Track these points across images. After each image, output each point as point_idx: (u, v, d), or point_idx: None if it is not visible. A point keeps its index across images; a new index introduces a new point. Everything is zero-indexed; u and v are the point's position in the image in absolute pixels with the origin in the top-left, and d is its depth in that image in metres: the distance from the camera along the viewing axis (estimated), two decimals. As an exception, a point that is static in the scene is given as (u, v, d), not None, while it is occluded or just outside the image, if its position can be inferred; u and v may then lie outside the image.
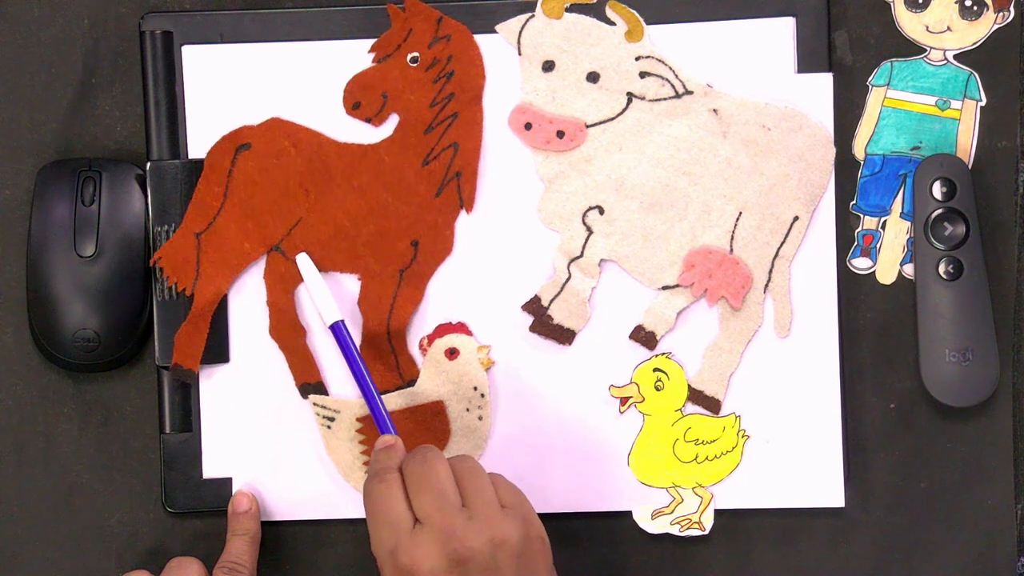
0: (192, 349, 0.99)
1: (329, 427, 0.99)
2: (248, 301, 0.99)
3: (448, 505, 0.86)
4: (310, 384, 0.99)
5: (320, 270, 0.99)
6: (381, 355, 0.99)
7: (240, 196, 0.99)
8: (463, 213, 0.99)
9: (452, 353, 0.99)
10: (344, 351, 0.97)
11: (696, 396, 1.00)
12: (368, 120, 0.99)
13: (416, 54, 0.99)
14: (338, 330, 0.97)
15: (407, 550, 0.85)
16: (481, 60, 0.99)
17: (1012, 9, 1.00)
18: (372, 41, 0.99)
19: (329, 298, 0.97)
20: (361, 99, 0.99)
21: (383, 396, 0.97)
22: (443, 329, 0.99)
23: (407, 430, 0.98)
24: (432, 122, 0.99)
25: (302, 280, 0.99)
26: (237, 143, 0.99)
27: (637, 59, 0.99)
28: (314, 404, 0.99)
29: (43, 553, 1.00)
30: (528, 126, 0.99)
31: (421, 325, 0.99)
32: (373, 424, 0.98)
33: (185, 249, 0.98)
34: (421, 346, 0.99)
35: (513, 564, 0.86)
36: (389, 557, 0.86)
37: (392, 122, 0.99)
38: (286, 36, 0.99)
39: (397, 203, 0.99)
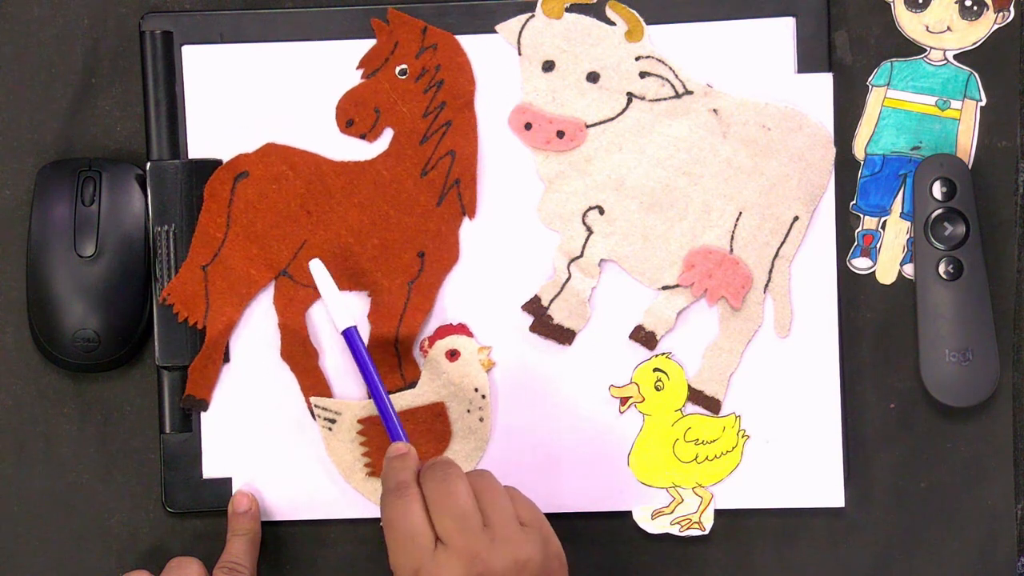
0: (206, 380, 0.99)
1: (330, 429, 0.99)
2: (248, 302, 1.00)
3: (471, 527, 0.86)
4: None
5: (329, 291, 0.99)
6: (385, 359, 0.99)
7: (243, 224, 0.99)
8: (466, 219, 0.99)
9: (453, 355, 0.99)
10: (356, 357, 0.96)
11: (696, 396, 1.00)
12: (363, 136, 0.99)
13: (404, 66, 0.99)
14: (350, 336, 0.96)
15: (431, 572, 0.85)
16: (469, 66, 0.99)
17: (1012, 9, 1.00)
18: (372, 42, 0.99)
19: (342, 304, 0.97)
20: (354, 116, 0.99)
21: (384, 396, 0.98)
22: (444, 331, 0.99)
23: (408, 432, 0.98)
24: (427, 132, 0.99)
25: (312, 302, 0.99)
26: (235, 172, 0.99)
27: (637, 59, 0.99)
28: (315, 406, 0.99)
29: (43, 553, 1.00)
30: (528, 126, 0.99)
31: (422, 327, 0.99)
32: (374, 426, 0.98)
33: (193, 283, 0.98)
34: (422, 348, 0.99)
35: None
36: None
37: (387, 136, 0.99)
38: (286, 36, 0.99)
39: (399, 216, 0.99)
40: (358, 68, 0.99)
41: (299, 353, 0.99)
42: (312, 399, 0.99)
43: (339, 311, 0.96)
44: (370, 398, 0.99)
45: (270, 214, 0.99)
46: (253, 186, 0.99)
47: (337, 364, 1.00)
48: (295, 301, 0.99)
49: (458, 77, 0.99)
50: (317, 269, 0.97)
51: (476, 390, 0.98)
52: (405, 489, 0.88)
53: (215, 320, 0.99)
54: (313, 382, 0.99)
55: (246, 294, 0.99)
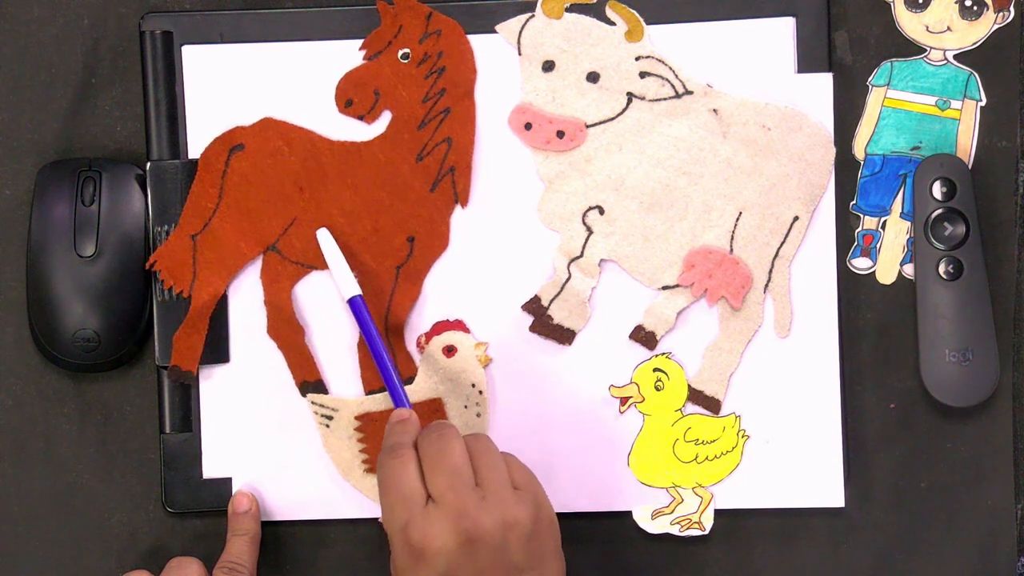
0: (190, 351, 0.99)
1: (328, 426, 0.99)
2: (248, 301, 1.00)
3: (462, 484, 0.86)
4: (310, 383, 0.99)
5: (317, 268, 0.99)
6: (380, 352, 0.99)
7: (235, 197, 0.99)
8: (459, 208, 0.99)
9: (450, 351, 0.99)
10: (361, 324, 0.96)
11: (696, 396, 1.00)
12: (361, 117, 0.99)
13: (407, 50, 0.99)
14: (356, 305, 0.96)
15: (419, 526, 0.85)
16: (472, 55, 0.99)
17: (1012, 9, 1.00)
18: (371, 41, 0.99)
19: (348, 273, 0.97)
20: (353, 96, 0.99)
21: (381, 394, 0.97)
22: (441, 327, 0.99)
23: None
24: (425, 118, 0.99)
25: (299, 279, 0.99)
26: (230, 144, 0.99)
27: (637, 59, 0.99)
28: (312, 403, 0.99)
29: (43, 553, 1.00)
30: (528, 126, 0.99)
31: (419, 323, 0.99)
32: (371, 423, 0.98)
33: (181, 251, 0.98)
34: (419, 344, 0.99)
35: (523, 545, 0.86)
36: (400, 532, 0.86)
37: (385, 119, 0.99)
38: (286, 36, 0.99)
39: (392, 199, 0.99)
40: (360, 49, 0.99)
41: (285, 330, 0.99)
42: (309, 396, 0.99)
43: (345, 280, 0.97)
44: (368, 394, 0.99)
45: (263, 189, 0.99)
46: (248, 159, 0.99)
47: (323, 343, 0.99)
48: (282, 277, 0.99)
49: (460, 65, 0.99)
50: (324, 238, 0.97)
51: (473, 386, 0.98)
52: (401, 450, 0.88)
53: (201, 290, 0.99)
54: (300, 359, 0.99)
55: (233, 266, 0.99)
